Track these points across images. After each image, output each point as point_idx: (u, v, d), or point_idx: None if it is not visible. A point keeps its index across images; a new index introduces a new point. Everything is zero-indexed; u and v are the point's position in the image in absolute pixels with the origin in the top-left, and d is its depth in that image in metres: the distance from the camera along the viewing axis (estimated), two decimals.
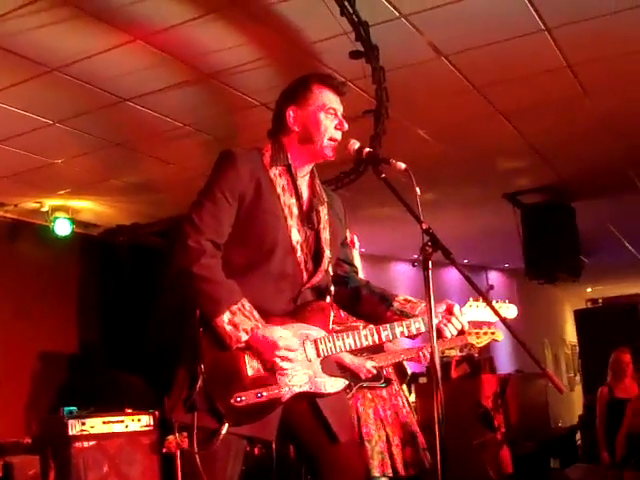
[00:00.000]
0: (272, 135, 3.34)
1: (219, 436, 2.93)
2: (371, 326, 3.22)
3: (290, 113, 3.25)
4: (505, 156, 9.05)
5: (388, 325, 3.19)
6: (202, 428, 2.96)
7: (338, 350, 3.14)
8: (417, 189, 2.91)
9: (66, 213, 9.68)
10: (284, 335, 3.00)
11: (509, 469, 9.20)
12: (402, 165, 3.03)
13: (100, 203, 9.70)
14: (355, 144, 3.24)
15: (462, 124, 7.76)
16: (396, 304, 3.32)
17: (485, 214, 11.69)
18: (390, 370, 5.33)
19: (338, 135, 3.24)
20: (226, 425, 2.94)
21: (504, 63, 6.32)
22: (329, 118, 3.22)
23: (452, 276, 12.27)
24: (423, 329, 3.16)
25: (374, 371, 5.04)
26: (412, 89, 6.71)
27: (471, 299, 3.28)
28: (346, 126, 3.25)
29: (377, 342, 3.19)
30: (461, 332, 3.30)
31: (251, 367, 2.99)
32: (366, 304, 3.40)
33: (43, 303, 9.83)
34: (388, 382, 5.27)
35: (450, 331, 3.22)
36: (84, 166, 8.26)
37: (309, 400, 3.13)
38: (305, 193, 3.31)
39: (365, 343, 3.17)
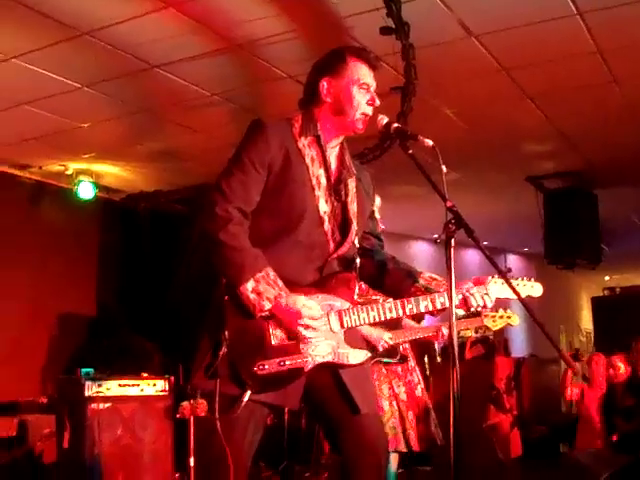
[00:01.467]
0: (303, 106, 3.34)
1: (241, 403, 2.96)
2: (390, 299, 3.22)
3: (324, 84, 3.24)
4: (531, 139, 9.03)
5: (413, 299, 3.19)
6: (224, 395, 2.98)
7: (362, 322, 3.15)
8: (443, 167, 2.91)
9: (90, 177, 9.73)
10: (308, 304, 3.01)
11: (519, 451, 9.24)
12: (430, 142, 3.02)
13: (124, 168, 9.74)
14: (383, 119, 3.24)
15: (489, 105, 7.75)
16: (422, 280, 3.32)
17: (507, 197, 11.67)
18: (407, 346, 5.35)
19: (369, 110, 3.24)
20: (248, 392, 2.96)
21: (534, 46, 6.29)
22: (362, 93, 3.22)
23: (472, 257, 12.29)
24: (448, 304, 3.13)
25: (391, 342, 5.04)
26: (441, 68, 6.69)
27: (496, 276, 3.24)
28: (378, 102, 3.25)
29: (401, 315, 3.19)
30: (484, 306, 3.27)
31: (275, 336, 3.01)
32: (391, 278, 3.40)
33: (63, 265, 9.91)
34: (404, 359, 5.28)
35: (476, 300, 3.21)
36: (110, 131, 8.30)
37: (332, 371, 3.14)
38: (334, 165, 3.31)
39: (389, 316, 3.16)
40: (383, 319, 3.18)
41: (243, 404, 2.97)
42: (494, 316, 4.97)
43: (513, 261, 16.80)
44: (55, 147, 8.79)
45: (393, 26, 5.63)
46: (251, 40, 6.21)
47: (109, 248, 10.74)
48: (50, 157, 9.20)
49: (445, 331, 5.20)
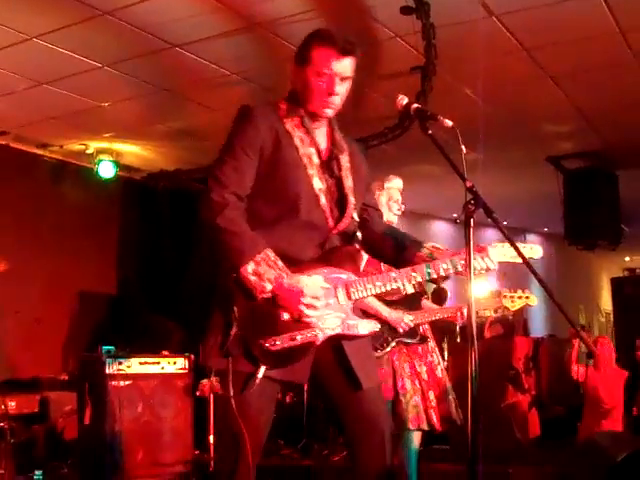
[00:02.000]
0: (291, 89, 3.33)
1: (255, 380, 2.97)
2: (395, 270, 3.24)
3: (294, 71, 3.24)
4: (551, 119, 9.00)
5: (417, 267, 3.19)
6: (238, 372, 3.00)
7: (369, 292, 3.16)
8: (463, 147, 2.91)
9: (110, 156, 9.78)
10: (310, 283, 3.01)
11: (537, 431, 9.25)
12: (449, 122, 3.00)
13: (144, 147, 9.78)
14: (403, 99, 3.20)
15: (509, 85, 7.72)
16: (425, 250, 3.31)
17: (527, 177, 11.64)
18: (427, 327, 5.35)
19: (330, 99, 3.18)
20: (262, 368, 2.98)
21: (555, 26, 6.27)
22: (322, 80, 3.14)
23: (491, 237, 12.24)
24: (452, 270, 3.15)
25: (411, 324, 5.04)
26: (461, 47, 6.66)
27: (493, 242, 3.23)
28: (337, 91, 3.16)
29: (406, 284, 3.19)
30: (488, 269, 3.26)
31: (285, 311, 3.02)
32: (395, 247, 3.40)
33: (84, 243, 9.97)
34: (424, 339, 5.29)
35: (479, 263, 3.18)
36: (130, 110, 8.33)
37: (335, 349, 3.16)
38: (323, 143, 3.30)
39: (395, 285, 3.17)
40: (389, 288, 3.17)
41: (258, 381, 2.98)
42: (512, 296, 4.95)
43: (533, 241, 16.70)
44: (76, 126, 8.83)
45: (414, 5, 5.63)
46: (271, 19, 6.22)
47: (129, 226, 10.80)
48: (71, 136, 9.25)
49: (465, 312, 5.20)
